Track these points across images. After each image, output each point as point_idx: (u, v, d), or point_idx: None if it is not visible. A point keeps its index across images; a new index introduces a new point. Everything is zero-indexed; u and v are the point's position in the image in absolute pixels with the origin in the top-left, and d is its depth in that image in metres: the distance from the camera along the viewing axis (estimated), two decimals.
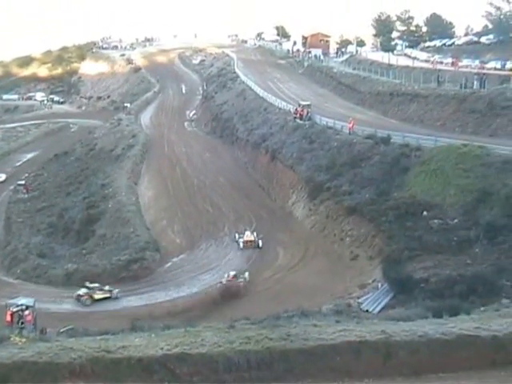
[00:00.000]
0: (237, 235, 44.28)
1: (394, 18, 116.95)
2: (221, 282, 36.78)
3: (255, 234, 43.74)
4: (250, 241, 43.20)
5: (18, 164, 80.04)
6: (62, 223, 53.13)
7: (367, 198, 40.14)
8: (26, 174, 72.41)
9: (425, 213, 36.64)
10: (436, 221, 35.66)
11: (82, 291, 36.15)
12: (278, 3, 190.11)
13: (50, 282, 40.43)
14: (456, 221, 35.22)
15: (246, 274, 37.67)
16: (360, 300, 30.99)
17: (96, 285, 36.84)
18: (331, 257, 39.13)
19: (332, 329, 18.83)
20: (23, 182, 67.32)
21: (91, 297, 35.97)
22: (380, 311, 28.99)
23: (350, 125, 51.77)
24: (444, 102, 55.05)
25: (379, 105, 65.06)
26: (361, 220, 39.24)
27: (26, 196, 64.09)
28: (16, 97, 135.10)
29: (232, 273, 37.48)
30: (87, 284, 36.86)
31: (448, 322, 20.02)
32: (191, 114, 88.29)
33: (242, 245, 42.63)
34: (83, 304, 35.63)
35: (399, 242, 34.76)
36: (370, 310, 29.48)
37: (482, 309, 23.39)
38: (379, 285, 32.34)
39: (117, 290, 36.67)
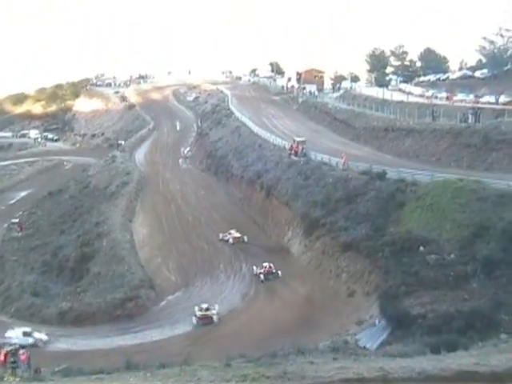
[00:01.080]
0: (254, 267, 45.37)
1: (388, 53, 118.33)
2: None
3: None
4: (237, 237, 51.26)
5: (12, 202, 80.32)
6: (56, 261, 53.19)
7: (363, 234, 40.35)
8: (20, 212, 72.63)
9: (421, 248, 36.82)
10: (433, 256, 35.83)
11: None
12: (272, 39, 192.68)
13: (44, 321, 40.41)
14: (453, 256, 35.41)
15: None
16: (357, 336, 31.05)
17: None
18: (328, 293, 39.21)
19: (329, 366, 18.81)
20: (17, 220, 67.49)
21: None
22: (378, 348, 28.99)
23: (343, 160, 52.29)
24: (439, 137, 55.76)
25: (374, 140, 65.75)
26: (357, 256, 39.41)
27: (20, 234, 64.20)
28: (10, 134, 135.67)
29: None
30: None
31: (446, 357, 19.99)
32: (186, 151, 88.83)
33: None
34: None
35: (396, 277, 34.89)
36: (368, 346, 29.50)
37: (481, 344, 23.39)
38: (376, 321, 32.41)
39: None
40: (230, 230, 52.82)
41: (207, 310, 38.45)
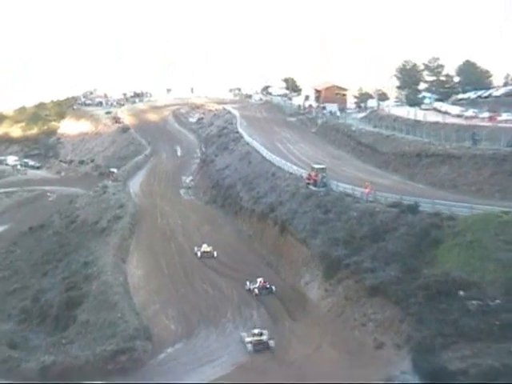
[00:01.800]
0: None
1: (422, 67, 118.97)
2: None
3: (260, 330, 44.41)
4: (207, 251, 57.80)
5: None
6: (37, 308, 53.26)
7: (392, 277, 40.44)
8: None
9: (460, 292, 36.91)
10: (474, 302, 35.90)
11: None
12: (286, 52, 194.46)
13: (23, 377, 40.43)
14: (497, 301, 35.48)
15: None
16: None
17: None
18: (352, 345, 39.20)
19: None
20: None
21: None
22: None
23: (367, 190, 52.67)
24: (480, 164, 56.15)
25: (405, 168, 66.20)
26: (385, 302, 39.49)
27: None
28: None
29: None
30: None
31: None
32: (188, 181, 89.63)
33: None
34: None
35: (431, 327, 34.96)
36: None
37: None
38: (409, 377, 32.41)
39: None
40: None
41: (261, 334, 41.30)
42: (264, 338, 41.66)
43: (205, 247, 59.74)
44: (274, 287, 49.72)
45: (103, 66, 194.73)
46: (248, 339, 41.85)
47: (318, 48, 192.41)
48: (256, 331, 42.40)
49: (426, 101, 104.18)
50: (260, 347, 41.06)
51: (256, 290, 49.38)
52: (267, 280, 50.66)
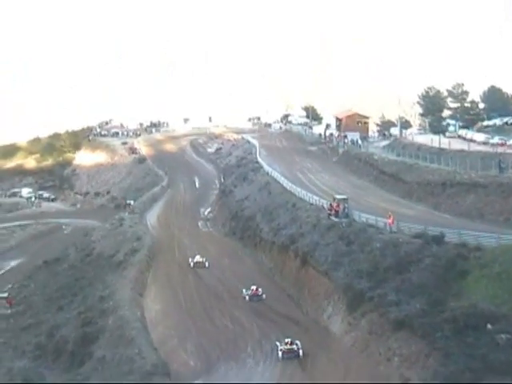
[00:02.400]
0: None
1: (445, 94, 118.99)
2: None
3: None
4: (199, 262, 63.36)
5: (0, 273, 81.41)
6: (52, 344, 53.40)
7: (418, 310, 40.30)
8: (9, 286, 73.57)
9: (489, 326, 36.74)
10: (503, 335, 35.71)
11: None
12: (305, 78, 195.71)
13: None
14: None
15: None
16: None
17: None
18: (377, 381, 39.04)
19: None
20: (5, 295, 68.09)
21: None
22: None
23: (390, 220, 52.72)
24: (508, 192, 56.11)
25: (429, 197, 66.22)
26: (411, 336, 39.30)
27: (9, 311, 64.82)
28: None
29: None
30: None
31: None
32: (206, 212, 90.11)
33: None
34: None
35: (458, 361, 34.71)
36: None
37: None
38: None
39: None
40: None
41: (291, 343, 43.97)
42: None
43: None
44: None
45: (119, 96, 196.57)
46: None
47: (339, 74, 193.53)
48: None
49: (451, 128, 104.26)
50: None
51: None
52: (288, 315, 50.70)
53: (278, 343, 44.81)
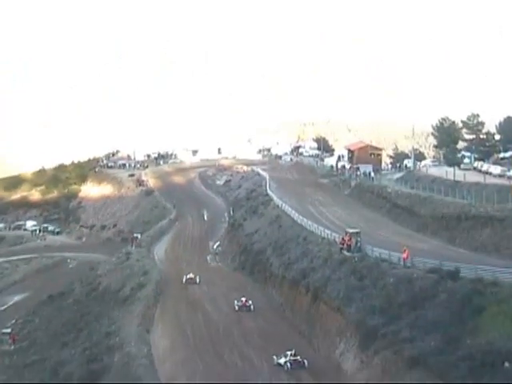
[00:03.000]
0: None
1: (460, 125, 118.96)
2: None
3: None
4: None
5: (3, 308, 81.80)
6: (56, 381, 53.27)
7: (433, 347, 40.16)
8: (13, 321, 73.88)
9: (506, 364, 36.51)
10: None
11: None
12: (317, 109, 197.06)
13: None
14: None
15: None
16: None
17: None
18: None
19: None
20: (9, 331, 68.43)
21: None
22: None
23: (405, 255, 52.69)
24: None
25: (444, 231, 66.22)
26: (426, 374, 39.11)
27: (12, 348, 65.15)
28: (1, 226, 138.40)
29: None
30: None
31: None
32: (215, 246, 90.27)
33: None
34: None
35: None
36: None
37: None
38: None
39: None
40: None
41: (295, 355, 46.91)
42: None
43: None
44: (306, 361, 49.10)
45: (127, 125, 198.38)
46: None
47: (351, 105, 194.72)
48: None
49: (466, 160, 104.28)
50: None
51: (288, 364, 49.05)
52: (298, 353, 50.45)
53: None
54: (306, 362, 48.76)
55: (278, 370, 49.02)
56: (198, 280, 68.47)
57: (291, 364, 48.60)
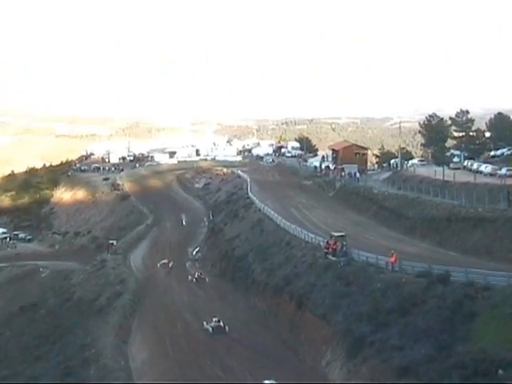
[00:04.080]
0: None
1: (449, 122, 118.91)
2: None
3: None
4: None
5: None
6: None
7: (423, 355, 40.15)
8: None
9: (500, 372, 36.52)
10: None
11: None
12: (298, 109, 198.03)
13: None
14: None
15: None
16: None
17: None
18: None
19: None
20: None
21: None
22: None
23: (393, 259, 52.79)
24: None
25: (433, 233, 66.43)
26: (416, 383, 39.26)
27: None
28: None
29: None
30: None
31: None
32: (194, 253, 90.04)
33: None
34: None
35: None
36: None
37: None
38: None
39: None
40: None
41: None
42: None
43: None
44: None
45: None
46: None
47: (334, 103, 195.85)
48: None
49: (455, 159, 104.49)
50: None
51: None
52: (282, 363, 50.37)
53: None
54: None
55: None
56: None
57: None
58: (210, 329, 59.36)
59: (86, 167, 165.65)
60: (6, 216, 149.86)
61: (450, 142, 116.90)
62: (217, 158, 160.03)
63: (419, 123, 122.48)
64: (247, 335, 59.27)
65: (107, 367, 52.44)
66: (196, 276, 75.34)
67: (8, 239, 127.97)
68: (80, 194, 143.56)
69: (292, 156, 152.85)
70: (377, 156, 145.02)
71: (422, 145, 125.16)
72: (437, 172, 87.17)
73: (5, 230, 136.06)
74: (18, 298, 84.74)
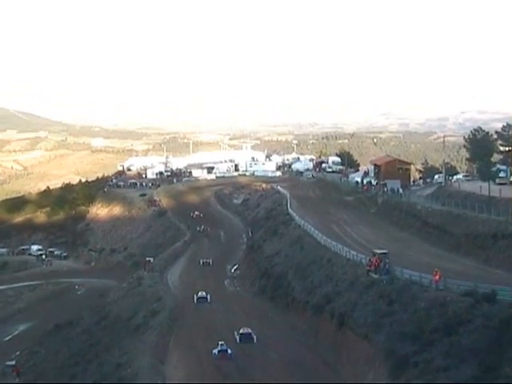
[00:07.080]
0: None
1: (494, 136, 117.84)
2: None
3: None
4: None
5: (7, 339, 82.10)
6: None
7: (469, 376, 39.88)
8: (18, 352, 74.04)
9: None
10: None
11: None
12: (343, 122, 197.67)
13: None
14: None
15: None
16: None
17: None
18: None
19: None
20: (13, 363, 68.63)
21: None
22: None
23: (437, 277, 52.48)
24: None
25: (479, 250, 65.88)
26: None
27: (17, 381, 65.24)
28: (4, 250, 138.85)
29: None
30: None
31: None
32: (233, 270, 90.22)
33: None
34: None
35: None
36: None
37: None
38: None
39: None
40: None
41: None
42: None
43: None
44: None
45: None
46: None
47: (378, 118, 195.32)
48: None
49: (501, 174, 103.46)
50: None
51: None
52: None
53: None
54: None
55: None
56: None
57: None
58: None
59: (122, 183, 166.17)
60: (41, 233, 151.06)
61: (495, 157, 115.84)
62: (256, 174, 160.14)
63: (464, 137, 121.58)
64: (287, 354, 59.17)
65: None
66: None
67: (43, 256, 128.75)
68: (116, 210, 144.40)
69: (333, 171, 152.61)
70: (420, 171, 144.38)
71: (466, 159, 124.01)
72: (482, 187, 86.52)
73: (40, 247, 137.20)
74: (53, 315, 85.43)
